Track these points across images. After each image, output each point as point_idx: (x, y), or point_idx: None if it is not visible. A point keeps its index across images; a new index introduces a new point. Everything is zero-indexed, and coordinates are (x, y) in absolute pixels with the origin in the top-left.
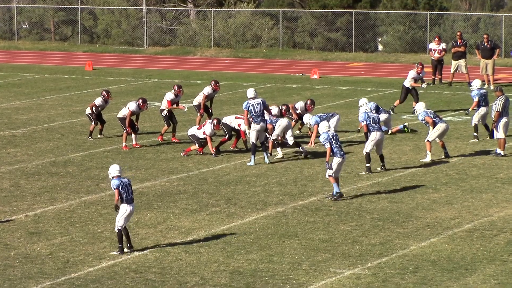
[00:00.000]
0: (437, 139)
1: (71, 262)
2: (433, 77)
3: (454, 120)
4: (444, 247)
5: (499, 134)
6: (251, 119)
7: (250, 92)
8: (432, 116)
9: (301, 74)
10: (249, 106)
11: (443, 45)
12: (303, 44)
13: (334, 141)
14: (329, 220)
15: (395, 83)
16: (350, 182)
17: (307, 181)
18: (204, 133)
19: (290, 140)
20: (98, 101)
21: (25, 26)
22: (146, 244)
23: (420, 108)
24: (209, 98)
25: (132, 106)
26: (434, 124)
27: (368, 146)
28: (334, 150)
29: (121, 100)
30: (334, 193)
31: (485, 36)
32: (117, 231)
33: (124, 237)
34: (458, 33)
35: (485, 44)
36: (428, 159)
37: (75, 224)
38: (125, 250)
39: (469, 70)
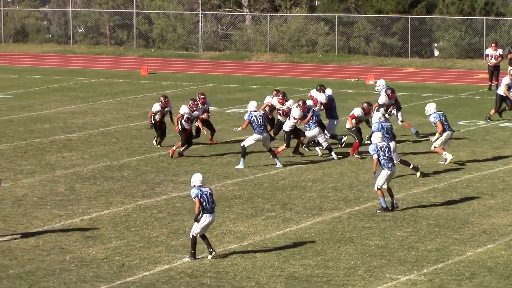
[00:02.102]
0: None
1: (126, 266)
2: (489, 83)
3: (511, 126)
4: (500, 253)
5: None
6: (253, 130)
7: (252, 105)
8: (443, 121)
9: (356, 80)
10: (251, 116)
11: (499, 51)
12: (359, 49)
13: (382, 153)
14: (385, 225)
15: (452, 89)
16: (406, 188)
17: (363, 186)
18: (294, 118)
19: (324, 143)
20: (156, 107)
21: (81, 30)
22: (201, 249)
23: (431, 108)
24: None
25: (183, 109)
26: (443, 131)
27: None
28: (382, 162)
29: (176, 104)
30: (381, 208)
31: None
32: (191, 236)
33: (199, 242)
34: None
35: None
36: (449, 157)
37: (130, 228)
38: (198, 256)
39: None
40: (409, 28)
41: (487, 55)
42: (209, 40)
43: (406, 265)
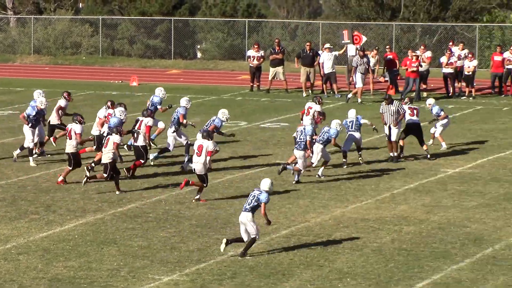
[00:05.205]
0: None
1: None
2: (251, 84)
3: (272, 126)
4: (261, 252)
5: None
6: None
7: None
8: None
9: (120, 81)
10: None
11: (261, 52)
12: (123, 51)
13: None
14: (148, 226)
15: (214, 90)
16: (169, 189)
17: (126, 188)
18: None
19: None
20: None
21: None
22: None
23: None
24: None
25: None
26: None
27: None
28: None
29: None
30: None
31: (307, 43)
32: None
33: None
34: (276, 40)
35: (307, 52)
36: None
37: None
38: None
39: (287, 77)
40: (173, 29)
41: (249, 57)
42: None
43: (169, 266)
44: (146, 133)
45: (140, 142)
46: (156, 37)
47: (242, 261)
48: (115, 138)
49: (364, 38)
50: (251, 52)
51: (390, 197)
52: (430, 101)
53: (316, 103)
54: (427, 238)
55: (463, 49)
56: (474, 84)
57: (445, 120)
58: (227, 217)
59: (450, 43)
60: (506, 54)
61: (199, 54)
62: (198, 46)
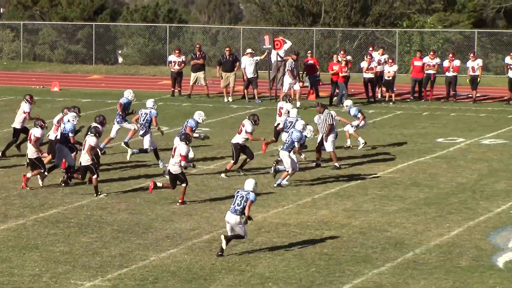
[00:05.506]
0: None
1: None
2: (172, 89)
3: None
4: (183, 257)
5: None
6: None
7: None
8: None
9: (42, 87)
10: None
11: (182, 58)
12: (44, 56)
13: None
14: (70, 232)
15: (135, 95)
16: (91, 195)
17: (48, 193)
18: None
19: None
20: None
21: None
22: None
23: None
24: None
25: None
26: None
27: None
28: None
29: None
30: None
31: (227, 49)
32: None
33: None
34: (197, 46)
35: (227, 57)
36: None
37: None
38: None
39: (208, 82)
40: (94, 35)
41: (170, 62)
42: None
43: (91, 271)
44: None
45: None
46: (78, 42)
47: (163, 266)
48: (91, 140)
49: (289, 43)
50: (172, 57)
51: (311, 202)
52: (348, 102)
53: (287, 102)
54: (348, 242)
55: (383, 54)
56: (394, 89)
57: (362, 122)
58: (149, 222)
59: (370, 49)
60: (426, 59)
61: (120, 59)
62: (120, 51)
